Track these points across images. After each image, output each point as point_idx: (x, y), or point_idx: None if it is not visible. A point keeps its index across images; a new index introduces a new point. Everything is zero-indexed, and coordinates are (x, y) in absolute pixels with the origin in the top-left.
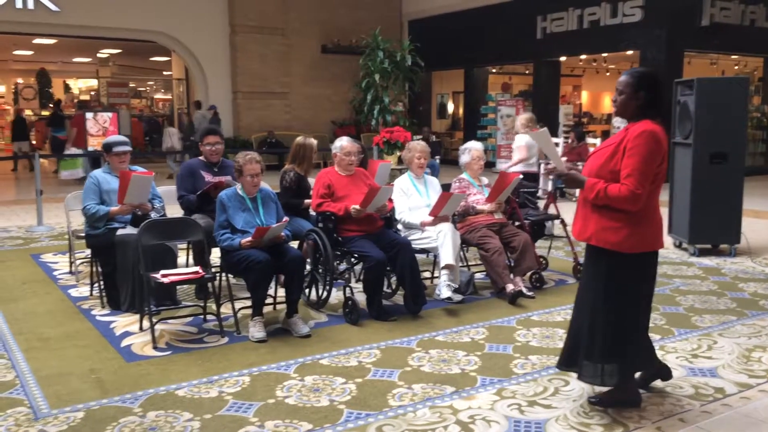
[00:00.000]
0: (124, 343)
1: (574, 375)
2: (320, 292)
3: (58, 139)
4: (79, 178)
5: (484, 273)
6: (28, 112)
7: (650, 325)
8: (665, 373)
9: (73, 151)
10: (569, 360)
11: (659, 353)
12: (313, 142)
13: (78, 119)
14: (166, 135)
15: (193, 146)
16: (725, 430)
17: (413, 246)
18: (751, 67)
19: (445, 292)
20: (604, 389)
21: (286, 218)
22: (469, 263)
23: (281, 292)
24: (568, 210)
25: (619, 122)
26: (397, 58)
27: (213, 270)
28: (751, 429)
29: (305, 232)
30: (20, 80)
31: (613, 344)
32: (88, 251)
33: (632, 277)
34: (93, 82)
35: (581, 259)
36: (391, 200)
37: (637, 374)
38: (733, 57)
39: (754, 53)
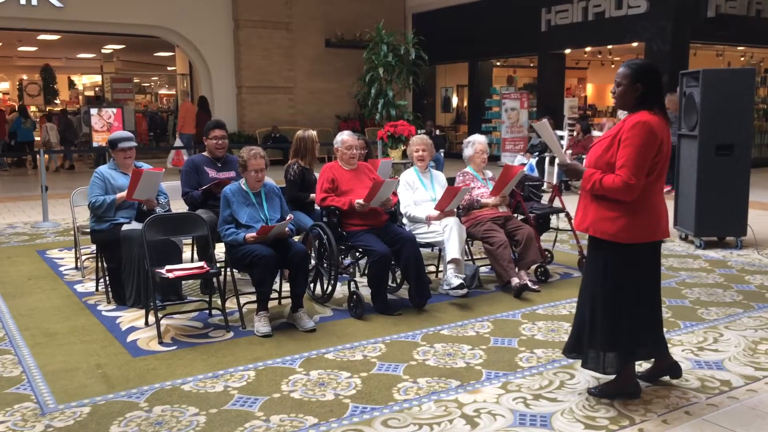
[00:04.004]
0: (130, 338)
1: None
2: (325, 286)
3: None
4: None
5: (489, 267)
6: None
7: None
8: (675, 370)
9: None
10: (574, 347)
11: None
12: (313, 133)
13: None
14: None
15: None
16: (731, 422)
17: (419, 240)
18: (757, 59)
19: (455, 281)
20: (605, 380)
21: (290, 215)
22: (474, 257)
23: (286, 286)
24: (572, 203)
25: (622, 114)
26: (401, 51)
27: (218, 265)
28: (758, 421)
29: (309, 227)
30: (25, 76)
31: (611, 333)
32: (94, 247)
33: (629, 267)
34: (97, 78)
35: (587, 252)
36: (395, 194)
37: (646, 367)
38: (739, 48)
39: (761, 44)
